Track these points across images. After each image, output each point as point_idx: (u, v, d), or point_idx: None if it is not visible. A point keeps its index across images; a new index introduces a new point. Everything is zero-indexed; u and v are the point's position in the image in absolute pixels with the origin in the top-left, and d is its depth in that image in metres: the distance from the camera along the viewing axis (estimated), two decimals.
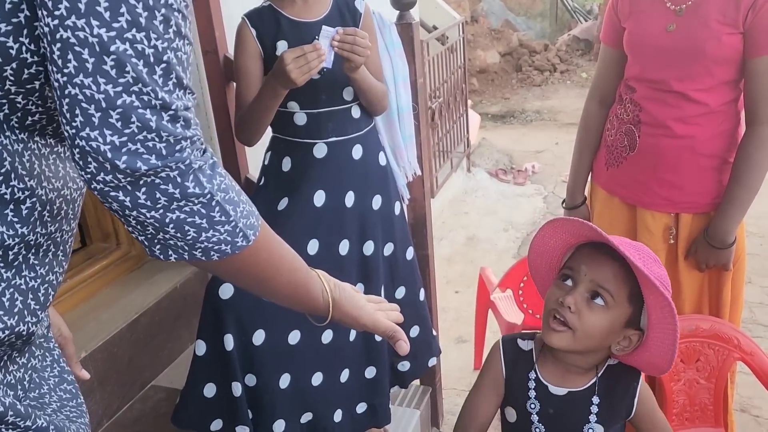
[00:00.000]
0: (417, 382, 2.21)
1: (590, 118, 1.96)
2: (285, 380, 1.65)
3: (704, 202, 1.80)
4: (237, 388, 1.59)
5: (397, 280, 1.84)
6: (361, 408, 1.82)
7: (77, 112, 0.57)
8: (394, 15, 1.88)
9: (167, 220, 0.64)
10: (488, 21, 9.04)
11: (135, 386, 1.85)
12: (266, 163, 1.72)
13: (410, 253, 1.87)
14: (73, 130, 0.57)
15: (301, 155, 1.64)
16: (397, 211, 1.81)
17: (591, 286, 1.07)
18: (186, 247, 0.67)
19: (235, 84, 1.65)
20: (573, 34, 8.99)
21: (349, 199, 1.68)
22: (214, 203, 0.66)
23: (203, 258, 0.68)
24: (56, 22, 0.55)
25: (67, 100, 0.57)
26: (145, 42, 0.57)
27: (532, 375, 1.17)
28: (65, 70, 0.56)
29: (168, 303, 1.96)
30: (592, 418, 1.15)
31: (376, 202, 1.73)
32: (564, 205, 2.08)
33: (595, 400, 1.15)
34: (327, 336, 1.69)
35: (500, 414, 1.27)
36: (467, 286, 3.46)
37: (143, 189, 0.61)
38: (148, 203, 0.62)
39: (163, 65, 0.59)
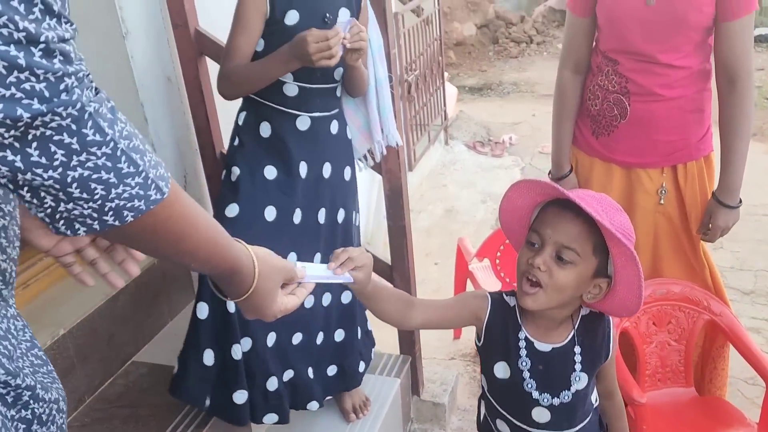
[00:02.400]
0: (397, 351, 2.25)
1: (566, 86, 1.98)
2: (272, 338, 1.73)
3: (691, 150, 1.89)
4: (237, 351, 1.64)
5: (346, 242, 1.89)
6: (331, 371, 1.89)
7: None
8: None
9: (69, 180, 0.57)
10: None
11: (116, 362, 1.86)
12: (240, 123, 1.72)
13: (357, 218, 1.91)
14: None
15: (283, 124, 1.66)
16: (355, 179, 1.88)
17: (557, 247, 1.12)
18: (95, 214, 0.61)
19: (230, 34, 1.62)
20: (549, 5, 8.97)
21: (327, 170, 1.74)
22: (119, 152, 0.59)
23: (116, 222, 0.62)
24: None
25: None
26: None
27: (522, 335, 1.23)
28: None
29: (147, 279, 1.96)
30: (578, 367, 1.22)
31: (347, 173, 1.81)
32: (550, 176, 2.10)
33: (577, 350, 1.22)
34: (309, 300, 1.75)
35: (483, 374, 1.32)
36: (447, 258, 3.50)
37: (34, 144, 0.54)
38: (44, 160, 0.55)
39: None
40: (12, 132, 0.52)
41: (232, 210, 1.62)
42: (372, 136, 1.84)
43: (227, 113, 2.19)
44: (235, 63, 1.59)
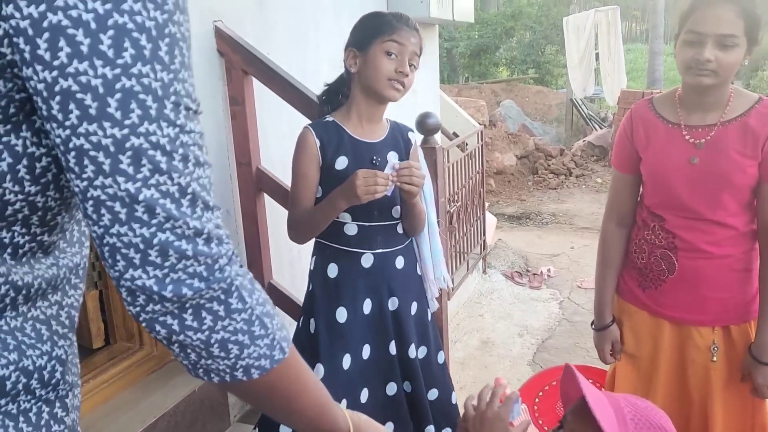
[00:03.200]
0: None
1: (610, 238, 2.01)
2: None
3: (741, 310, 1.87)
4: None
5: (429, 382, 1.90)
6: None
7: (118, 258, 0.61)
8: (419, 138, 2.00)
9: (212, 341, 0.66)
10: (506, 125, 9.36)
11: None
12: (312, 268, 1.82)
13: (441, 356, 1.94)
14: (117, 274, 0.61)
15: (349, 263, 1.75)
16: (429, 317, 1.91)
17: None
18: (228, 369, 0.69)
19: (291, 185, 1.76)
20: (588, 140, 9.24)
21: (393, 303, 1.79)
22: (254, 317, 0.68)
23: (244, 377, 0.70)
24: (68, 132, 0.56)
25: (107, 248, 0.61)
26: (169, 182, 0.60)
27: None
28: (107, 243, 0.60)
29: (185, 407, 1.98)
30: None
31: (414, 307, 1.85)
32: (593, 326, 2.08)
33: None
34: None
35: None
36: None
37: (189, 311, 0.64)
38: (195, 324, 0.65)
39: (189, 196, 0.62)
40: (176, 304, 0.63)
41: (318, 371, 1.70)
42: (426, 277, 1.89)
43: (276, 243, 2.30)
44: (299, 210, 1.70)
